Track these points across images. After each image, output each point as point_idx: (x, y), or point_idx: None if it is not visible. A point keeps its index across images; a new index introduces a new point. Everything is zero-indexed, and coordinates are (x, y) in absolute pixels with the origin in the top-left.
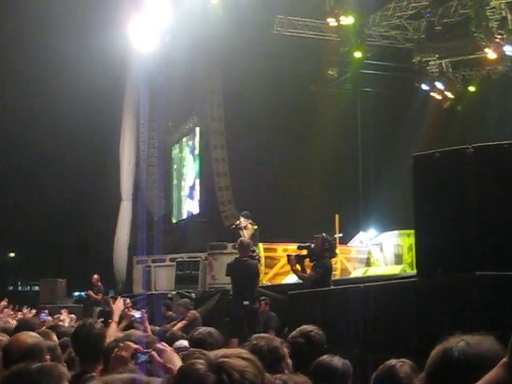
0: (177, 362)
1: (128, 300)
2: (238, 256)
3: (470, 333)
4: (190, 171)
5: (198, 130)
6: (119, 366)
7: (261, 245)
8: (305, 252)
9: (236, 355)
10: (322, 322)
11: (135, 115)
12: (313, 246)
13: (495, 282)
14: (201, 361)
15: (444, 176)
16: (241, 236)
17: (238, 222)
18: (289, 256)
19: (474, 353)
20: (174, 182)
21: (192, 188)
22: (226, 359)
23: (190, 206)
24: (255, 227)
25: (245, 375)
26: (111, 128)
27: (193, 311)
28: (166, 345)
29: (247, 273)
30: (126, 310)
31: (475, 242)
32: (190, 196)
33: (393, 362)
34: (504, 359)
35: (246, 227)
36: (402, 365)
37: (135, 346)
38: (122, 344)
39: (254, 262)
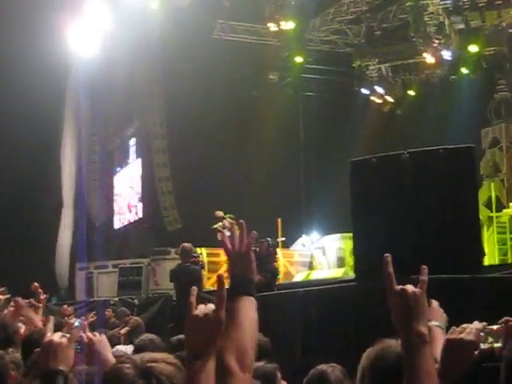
0: (107, 349)
1: (70, 308)
2: (180, 262)
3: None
4: (129, 177)
5: (139, 134)
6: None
7: (204, 249)
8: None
9: (163, 360)
10: (264, 327)
11: (76, 120)
12: (257, 250)
13: (431, 286)
14: (128, 365)
15: (380, 181)
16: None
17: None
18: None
19: None
20: (116, 187)
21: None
22: (154, 364)
23: (132, 212)
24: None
25: (173, 381)
26: (52, 133)
27: (135, 317)
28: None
29: (190, 278)
30: (67, 318)
31: (411, 246)
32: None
33: (324, 366)
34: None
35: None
36: (332, 369)
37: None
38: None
39: (197, 268)
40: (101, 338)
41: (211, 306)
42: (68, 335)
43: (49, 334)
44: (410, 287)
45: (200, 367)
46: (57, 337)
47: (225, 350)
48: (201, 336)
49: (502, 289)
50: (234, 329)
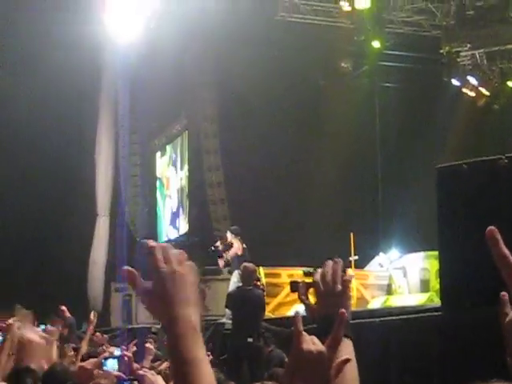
0: None
1: (105, 335)
2: (240, 285)
3: (505, 379)
4: (172, 184)
5: (187, 132)
6: None
7: (261, 269)
8: (311, 279)
9: None
10: None
11: (113, 115)
12: None
13: None
14: None
15: (473, 192)
16: (223, 257)
17: (218, 243)
18: (295, 282)
19: None
20: (159, 195)
21: (179, 204)
22: None
23: (176, 224)
24: (244, 246)
25: None
26: (85, 130)
27: None
28: (147, 369)
29: (252, 305)
30: (104, 347)
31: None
32: (176, 213)
33: None
34: None
35: (232, 245)
36: None
37: (116, 372)
38: (100, 371)
39: (260, 292)
40: (156, 378)
41: (317, 342)
42: (44, 334)
43: (23, 331)
44: None
45: None
46: (32, 334)
47: None
48: (310, 376)
49: None
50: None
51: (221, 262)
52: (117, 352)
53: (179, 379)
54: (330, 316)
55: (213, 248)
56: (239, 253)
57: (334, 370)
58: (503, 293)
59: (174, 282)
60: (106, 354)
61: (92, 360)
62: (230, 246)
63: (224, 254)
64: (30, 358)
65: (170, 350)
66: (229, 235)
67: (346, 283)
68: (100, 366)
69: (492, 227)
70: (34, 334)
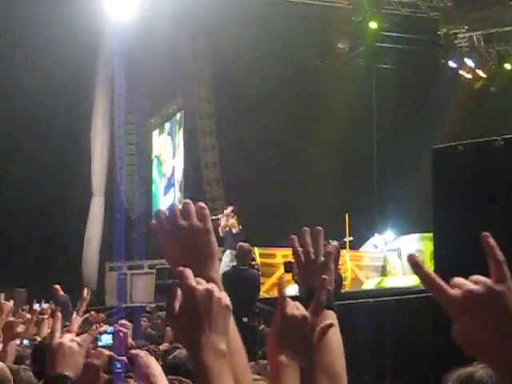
0: (156, 367)
1: (101, 314)
2: (235, 264)
3: None
4: (169, 162)
5: (182, 112)
6: (90, 376)
7: (256, 250)
8: None
9: None
10: None
11: (109, 95)
12: None
13: None
14: None
15: (469, 173)
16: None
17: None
18: (289, 263)
19: None
20: (155, 174)
21: (170, 182)
22: None
23: (169, 203)
24: (241, 227)
25: None
26: (81, 110)
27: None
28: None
29: (247, 285)
30: (97, 326)
31: (505, 252)
32: (167, 190)
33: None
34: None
35: (228, 223)
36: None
37: (108, 352)
38: (92, 351)
39: (256, 272)
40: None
41: (301, 307)
42: (79, 339)
43: (57, 335)
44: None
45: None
46: (66, 339)
47: (316, 376)
48: (294, 340)
49: None
50: (322, 350)
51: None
52: (110, 330)
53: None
54: (313, 288)
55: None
56: (234, 230)
57: (318, 334)
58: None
59: (207, 305)
60: (101, 329)
61: (87, 335)
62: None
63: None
64: (64, 364)
65: (198, 377)
66: (228, 210)
67: (328, 255)
68: (95, 341)
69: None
70: (67, 339)
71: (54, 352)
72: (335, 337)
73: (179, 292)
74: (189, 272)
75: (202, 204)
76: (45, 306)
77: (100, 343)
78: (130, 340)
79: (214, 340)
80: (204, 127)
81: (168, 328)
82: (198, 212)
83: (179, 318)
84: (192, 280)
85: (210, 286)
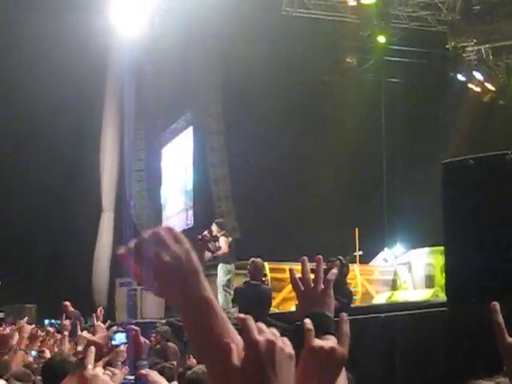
0: None
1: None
2: (248, 280)
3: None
4: (179, 178)
5: (191, 128)
6: None
7: (266, 264)
8: (312, 276)
9: None
10: None
11: (119, 111)
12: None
13: None
14: None
15: (478, 187)
16: (210, 249)
17: (205, 232)
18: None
19: None
20: (164, 189)
21: (185, 197)
22: None
23: (182, 219)
24: (230, 239)
25: None
26: (91, 126)
27: (171, 344)
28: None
29: (260, 300)
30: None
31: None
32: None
33: None
34: None
35: (218, 239)
36: None
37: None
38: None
39: (268, 288)
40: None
41: (330, 338)
42: (111, 372)
43: (90, 367)
44: None
45: None
46: (100, 371)
47: None
48: (321, 374)
49: None
50: None
51: (207, 254)
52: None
53: (190, 324)
54: (314, 314)
55: (200, 236)
56: (226, 251)
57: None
58: (494, 303)
59: (271, 357)
60: (115, 328)
61: (101, 334)
62: (216, 239)
63: (210, 245)
64: None
65: (187, 329)
66: (214, 228)
67: (328, 282)
68: (109, 339)
69: (494, 304)
70: (101, 371)
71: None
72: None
73: None
74: (251, 322)
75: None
76: (66, 322)
77: (114, 342)
78: (142, 338)
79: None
80: (213, 143)
81: (170, 344)
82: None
83: (243, 371)
84: (255, 331)
85: (272, 335)
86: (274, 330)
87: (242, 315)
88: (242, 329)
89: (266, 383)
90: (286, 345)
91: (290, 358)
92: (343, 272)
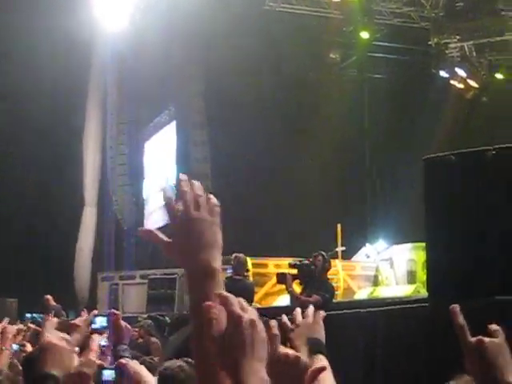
0: (146, 375)
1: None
2: (231, 274)
3: None
4: (162, 172)
5: (174, 123)
6: None
7: (249, 259)
8: (295, 271)
9: None
10: None
11: (101, 105)
12: (313, 266)
13: None
14: None
15: (460, 183)
16: None
17: None
18: (281, 274)
19: None
20: (147, 184)
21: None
22: None
23: (164, 214)
24: None
25: None
26: (73, 120)
27: (154, 339)
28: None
29: (242, 295)
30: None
31: (496, 261)
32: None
33: None
34: None
35: None
36: None
37: (98, 361)
38: (82, 359)
39: (250, 283)
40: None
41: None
42: (69, 337)
43: (47, 334)
44: (486, 339)
45: None
46: (55, 337)
47: None
48: (284, 380)
49: None
50: None
51: None
52: (103, 341)
53: (197, 320)
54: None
55: None
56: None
57: (309, 377)
58: (453, 305)
59: (252, 334)
60: (95, 312)
61: (82, 317)
62: None
63: None
64: (53, 364)
65: (190, 293)
66: None
67: (317, 318)
68: (89, 323)
69: (454, 307)
70: (58, 338)
71: (43, 351)
72: (328, 381)
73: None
74: (232, 298)
75: (213, 200)
76: (49, 316)
77: (94, 325)
78: (123, 323)
79: (258, 367)
80: (196, 138)
81: (153, 339)
82: (208, 207)
83: (223, 341)
84: (237, 307)
85: (254, 315)
86: (255, 312)
87: (224, 293)
88: (224, 304)
89: (242, 359)
90: (263, 329)
91: (265, 341)
92: (325, 267)
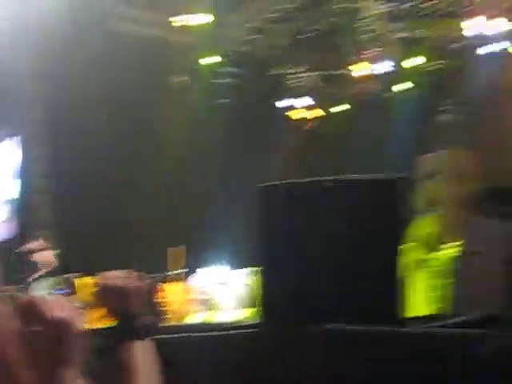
0: None
1: None
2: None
3: None
4: (4, 187)
5: (17, 138)
6: None
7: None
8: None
9: None
10: None
11: None
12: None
13: (348, 338)
14: None
15: (292, 211)
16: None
17: (29, 245)
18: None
19: None
20: None
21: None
22: None
23: (7, 228)
24: (55, 252)
25: None
26: None
27: None
28: None
29: None
30: None
31: (325, 289)
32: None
33: None
34: None
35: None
36: None
37: None
38: None
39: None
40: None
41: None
42: None
43: None
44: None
45: None
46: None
47: None
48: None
49: (422, 344)
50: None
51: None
52: None
53: None
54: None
55: (21, 249)
56: (51, 264)
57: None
58: None
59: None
60: None
61: None
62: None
63: (32, 258)
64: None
65: None
66: (39, 240)
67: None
68: None
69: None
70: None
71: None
72: (151, 365)
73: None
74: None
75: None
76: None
77: None
78: None
79: (74, 375)
80: (37, 153)
81: None
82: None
83: (34, 345)
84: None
85: (69, 316)
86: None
87: (25, 299)
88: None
89: (60, 363)
90: (81, 335)
91: (83, 349)
92: (154, 290)
